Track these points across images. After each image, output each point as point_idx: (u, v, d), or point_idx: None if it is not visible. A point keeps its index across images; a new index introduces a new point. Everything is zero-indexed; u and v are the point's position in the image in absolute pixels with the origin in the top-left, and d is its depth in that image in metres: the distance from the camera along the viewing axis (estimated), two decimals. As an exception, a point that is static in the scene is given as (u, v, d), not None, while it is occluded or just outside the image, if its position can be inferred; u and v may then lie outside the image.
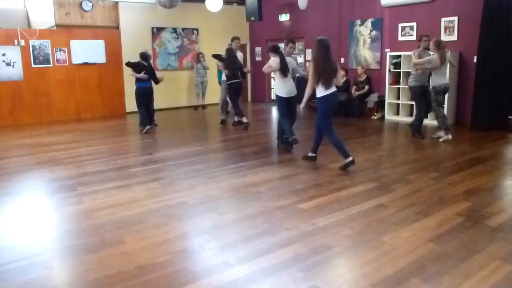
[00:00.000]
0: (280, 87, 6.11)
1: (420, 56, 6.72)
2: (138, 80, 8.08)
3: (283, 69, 6.03)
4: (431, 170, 5.05)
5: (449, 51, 6.90)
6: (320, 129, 5.36)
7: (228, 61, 8.02)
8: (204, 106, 11.76)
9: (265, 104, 12.37)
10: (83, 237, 3.34)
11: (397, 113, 9.06)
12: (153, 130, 8.35)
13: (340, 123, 8.33)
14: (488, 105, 7.47)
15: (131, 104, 10.61)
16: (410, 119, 8.63)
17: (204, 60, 11.45)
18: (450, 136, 6.61)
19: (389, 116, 9.08)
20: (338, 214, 3.69)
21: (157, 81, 8.39)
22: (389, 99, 9.06)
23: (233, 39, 8.27)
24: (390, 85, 8.98)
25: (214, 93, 12.03)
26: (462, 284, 2.53)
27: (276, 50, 6.12)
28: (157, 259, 2.92)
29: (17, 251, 3.11)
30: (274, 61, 6.06)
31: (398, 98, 8.96)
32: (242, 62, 8.47)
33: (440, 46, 6.43)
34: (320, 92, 5.10)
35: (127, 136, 8.20)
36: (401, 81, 8.76)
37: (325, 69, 4.99)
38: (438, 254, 2.92)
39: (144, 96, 8.18)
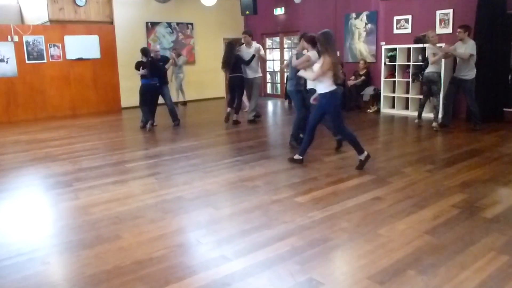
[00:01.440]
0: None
1: (455, 48, 6.82)
2: (142, 77, 7.72)
3: None
4: (426, 163, 5.07)
5: (439, 44, 7.02)
6: (312, 129, 5.03)
7: (225, 55, 7.82)
8: (184, 103, 11.29)
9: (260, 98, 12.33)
10: (79, 233, 3.33)
11: (393, 106, 9.07)
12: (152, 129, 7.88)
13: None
14: (484, 98, 7.47)
15: (126, 99, 10.60)
16: (405, 112, 8.67)
17: (179, 55, 10.84)
18: (435, 124, 7.01)
19: (384, 109, 9.09)
20: (334, 207, 3.71)
21: (165, 70, 7.98)
22: (384, 92, 9.07)
23: (243, 33, 8.12)
24: (385, 78, 8.99)
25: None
26: (457, 276, 2.55)
27: (314, 44, 5.35)
28: (154, 254, 2.92)
29: (14, 248, 3.10)
30: (314, 54, 5.38)
31: (394, 91, 8.97)
32: (258, 53, 8.03)
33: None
34: (327, 87, 4.77)
35: (123, 131, 8.18)
36: (396, 74, 8.77)
37: (336, 61, 4.68)
38: (434, 246, 2.94)
39: (147, 94, 7.76)
